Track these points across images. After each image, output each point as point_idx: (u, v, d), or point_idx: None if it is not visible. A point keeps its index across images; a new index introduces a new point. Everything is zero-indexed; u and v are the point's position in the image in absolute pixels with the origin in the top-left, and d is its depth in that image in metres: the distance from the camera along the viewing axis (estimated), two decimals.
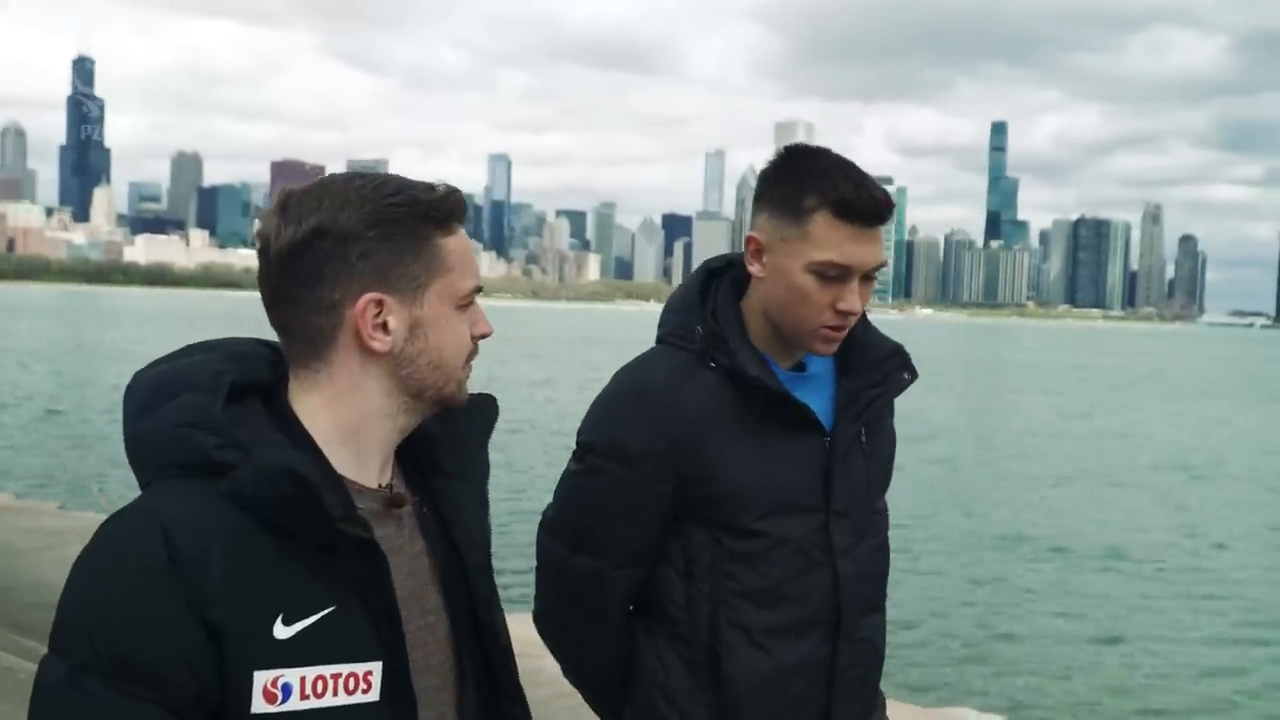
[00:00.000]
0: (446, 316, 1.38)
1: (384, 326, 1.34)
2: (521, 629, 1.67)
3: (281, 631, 1.26)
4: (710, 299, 2.09)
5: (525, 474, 18.57)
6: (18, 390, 30.90)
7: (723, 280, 2.12)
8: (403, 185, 1.36)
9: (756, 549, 2.01)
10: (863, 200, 1.91)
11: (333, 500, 1.27)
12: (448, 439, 1.50)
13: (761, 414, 2.02)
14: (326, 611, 1.28)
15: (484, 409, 1.53)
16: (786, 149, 2.04)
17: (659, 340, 2.14)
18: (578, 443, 2.11)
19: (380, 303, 1.33)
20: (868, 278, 1.98)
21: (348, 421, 1.37)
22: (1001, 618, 12.06)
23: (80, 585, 1.26)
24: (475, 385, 1.47)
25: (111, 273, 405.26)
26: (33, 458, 19.99)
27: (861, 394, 2.10)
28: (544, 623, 2.23)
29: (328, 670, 1.28)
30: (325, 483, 1.28)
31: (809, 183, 1.93)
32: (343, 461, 1.36)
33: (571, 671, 2.26)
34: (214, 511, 1.26)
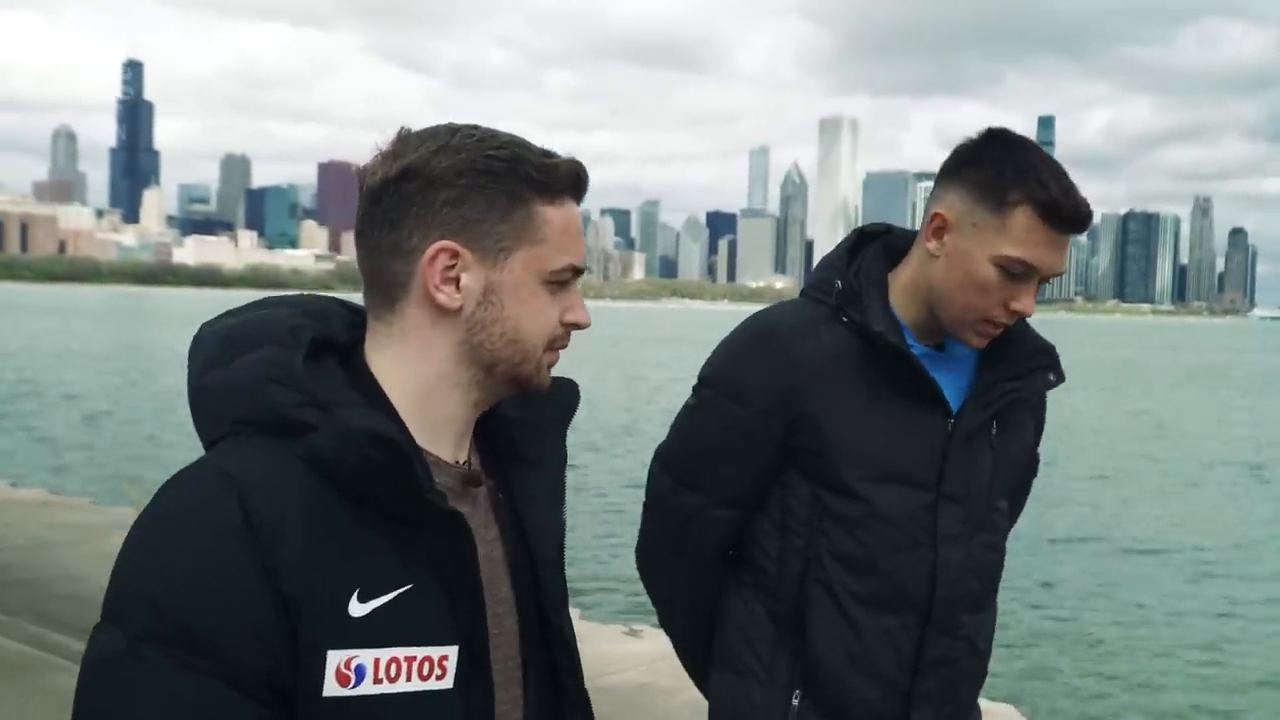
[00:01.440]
0: (530, 289, 1.28)
1: (456, 282, 1.25)
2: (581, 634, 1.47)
3: (357, 609, 1.16)
4: (858, 259, 2.07)
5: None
6: (61, 389, 31.03)
7: (874, 244, 2.09)
8: (512, 142, 1.27)
9: (855, 513, 1.97)
10: (1070, 207, 1.87)
11: (420, 470, 1.19)
12: (525, 423, 1.42)
13: (886, 379, 1.98)
14: (403, 589, 1.19)
15: (564, 394, 1.44)
16: (990, 131, 1.95)
17: (801, 294, 2.13)
18: (699, 377, 2.10)
19: (456, 254, 1.25)
20: (1044, 280, 1.94)
21: (419, 386, 1.29)
22: (1051, 620, 11.61)
23: (142, 547, 1.15)
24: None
25: (161, 274, 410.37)
26: (70, 455, 19.91)
27: (998, 384, 2.04)
28: (644, 557, 2.22)
29: (402, 653, 1.19)
30: (412, 450, 1.19)
31: (1018, 175, 1.87)
32: (417, 430, 1.26)
33: (663, 612, 2.25)
34: (291, 473, 1.17)
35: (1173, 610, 12.26)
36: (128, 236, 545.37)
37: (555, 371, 1.38)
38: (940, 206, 1.94)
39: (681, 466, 2.10)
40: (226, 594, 1.11)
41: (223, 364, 1.23)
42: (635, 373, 44.13)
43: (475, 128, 1.28)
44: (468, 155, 1.24)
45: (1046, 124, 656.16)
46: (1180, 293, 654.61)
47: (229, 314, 1.31)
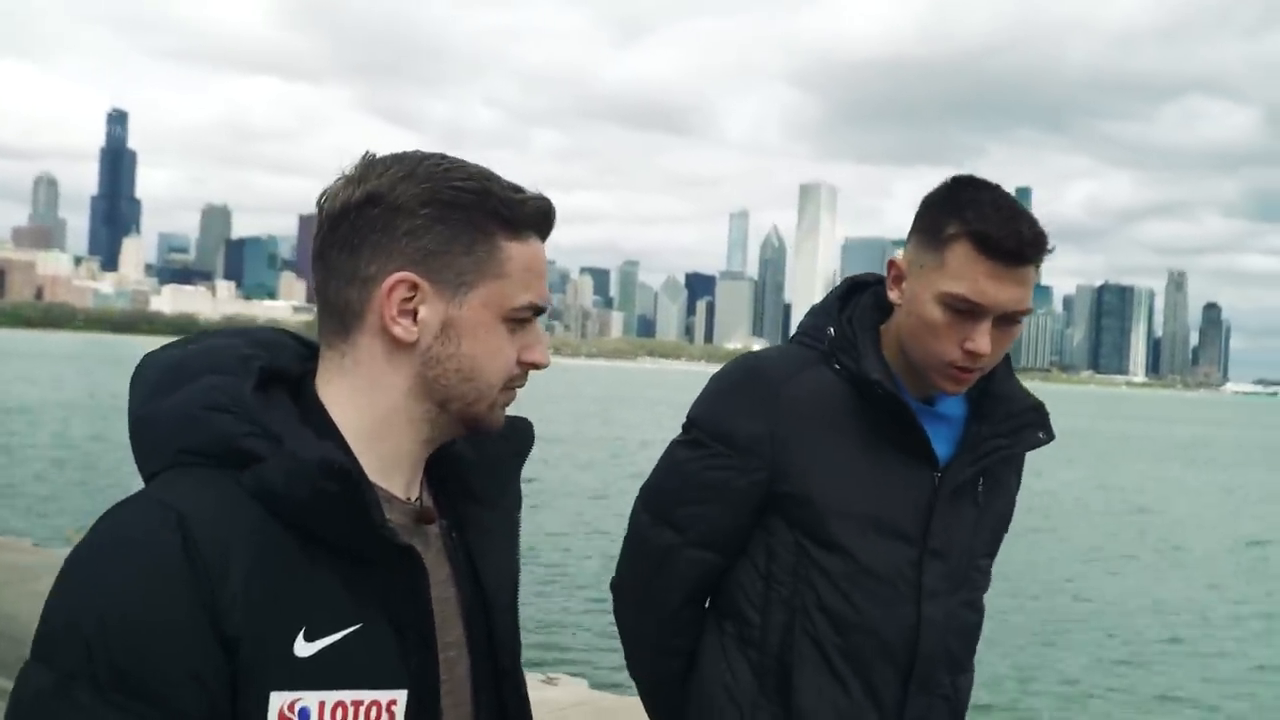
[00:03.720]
0: (488, 326, 1.24)
1: (414, 315, 1.21)
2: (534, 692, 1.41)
3: (303, 649, 1.11)
4: (849, 307, 2.04)
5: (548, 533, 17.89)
6: (20, 436, 30.44)
7: (865, 294, 2.06)
8: (480, 174, 1.23)
9: (841, 568, 1.93)
10: (1006, 236, 1.80)
11: (373, 502, 1.14)
12: (479, 463, 1.37)
13: (874, 428, 1.94)
14: (352, 629, 1.14)
15: (519, 433, 1.40)
16: (954, 178, 1.93)
17: (792, 340, 2.11)
18: (687, 416, 2.07)
19: (415, 286, 1.20)
20: (1009, 320, 1.87)
21: (371, 419, 1.24)
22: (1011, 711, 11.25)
23: (75, 582, 1.09)
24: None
25: (137, 322, 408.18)
26: (20, 500, 19.41)
27: (987, 440, 2.01)
28: (616, 594, 2.17)
29: (349, 696, 1.13)
30: (365, 482, 1.15)
31: (954, 210, 1.85)
32: (368, 464, 1.21)
33: (632, 655, 2.17)
34: (236, 506, 1.12)
35: (1155, 690, 11.93)
36: (105, 284, 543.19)
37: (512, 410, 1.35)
38: (897, 255, 1.96)
39: (660, 503, 2.06)
40: (163, 633, 1.06)
41: (166, 393, 1.18)
42: (601, 429, 43.79)
43: (444, 157, 1.24)
44: (433, 185, 1.20)
45: (1024, 195, 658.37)
46: (1155, 365, 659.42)
47: (174, 344, 1.26)
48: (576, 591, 14.11)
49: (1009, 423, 2.02)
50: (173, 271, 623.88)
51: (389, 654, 1.17)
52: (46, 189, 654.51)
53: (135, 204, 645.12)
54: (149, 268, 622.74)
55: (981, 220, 1.81)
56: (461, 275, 1.22)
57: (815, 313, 2.08)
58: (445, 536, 1.32)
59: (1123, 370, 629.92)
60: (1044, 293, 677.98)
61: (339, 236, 1.21)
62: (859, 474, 1.93)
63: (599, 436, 39.89)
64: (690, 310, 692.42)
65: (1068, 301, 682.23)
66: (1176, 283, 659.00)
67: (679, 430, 2.09)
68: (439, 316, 1.22)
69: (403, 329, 1.21)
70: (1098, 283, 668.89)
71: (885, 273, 1.99)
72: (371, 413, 1.24)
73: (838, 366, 1.96)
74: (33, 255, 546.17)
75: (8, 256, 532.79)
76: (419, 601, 1.20)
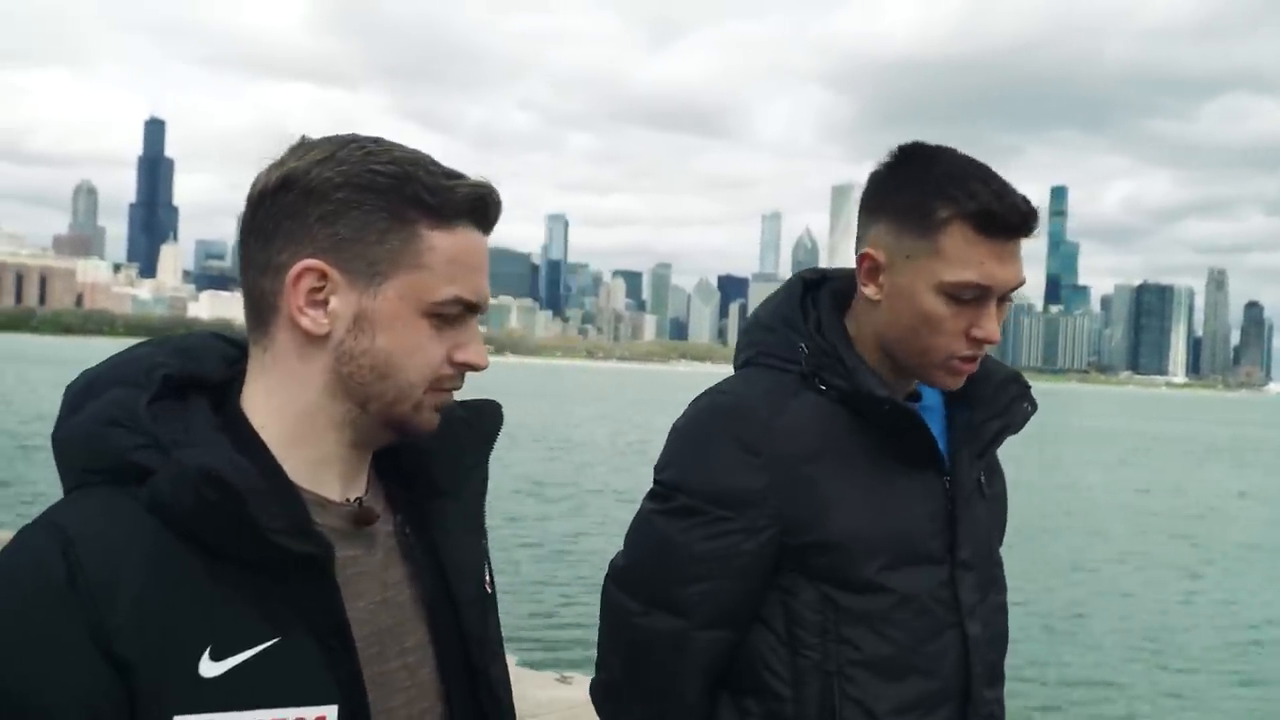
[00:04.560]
0: (405, 321, 1.17)
1: (324, 306, 1.15)
2: (529, 687, 1.19)
3: (209, 668, 1.06)
4: (810, 314, 1.84)
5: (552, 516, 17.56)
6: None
7: (821, 294, 1.86)
8: (406, 159, 1.16)
9: (878, 608, 1.73)
10: (1007, 210, 1.66)
11: (269, 509, 1.07)
12: (441, 452, 1.29)
13: (877, 445, 1.76)
14: (267, 644, 1.08)
15: (484, 417, 1.33)
16: (902, 148, 1.77)
17: (745, 363, 1.87)
18: (656, 480, 1.82)
19: (324, 275, 1.14)
20: (1003, 299, 1.73)
21: (294, 419, 1.18)
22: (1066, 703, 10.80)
23: None
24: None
25: (175, 328, 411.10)
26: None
27: (983, 427, 1.86)
28: (605, 694, 1.89)
29: (268, 715, 1.08)
30: (261, 488, 1.08)
31: (941, 190, 1.67)
32: (295, 468, 1.16)
33: None
34: (131, 524, 1.07)
35: (1194, 692, 11.47)
36: (144, 290, 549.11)
37: (479, 393, 1.30)
38: (868, 246, 1.76)
39: (651, 585, 1.79)
40: (50, 660, 1.02)
41: (76, 411, 1.15)
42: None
43: (377, 140, 1.18)
44: (350, 168, 1.14)
45: (1059, 194, 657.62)
46: (1195, 365, 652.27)
47: (106, 360, 1.21)
48: (596, 590, 13.79)
49: (996, 401, 1.88)
50: (210, 278, 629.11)
51: (312, 667, 1.11)
52: (86, 197, 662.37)
53: (173, 211, 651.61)
54: (187, 274, 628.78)
55: (974, 198, 1.66)
56: (375, 265, 1.15)
57: (769, 326, 1.86)
58: (399, 534, 1.27)
59: (1162, 371, 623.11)
60: (1081, 293, 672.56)
61: (255, 224, 1.16)
62: (874, 501, 1.75)
63: (631, 441, 39.57)
64: (723, 313, 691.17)
65: (1106, 301, 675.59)
66: (1217, 281, 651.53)
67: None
68: (351, 308, 1.15)
69: (311, 320, 1.15)
70: (1136, 282, 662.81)
71: (857, 265, 1.79)
72: (292, 411, 1.18)
73: (823, 388, 1.77)
74: (72, 263, 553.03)
75: (48, 264, 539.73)
76: (330, 611, 1.13)
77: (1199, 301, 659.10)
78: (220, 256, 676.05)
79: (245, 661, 1.07)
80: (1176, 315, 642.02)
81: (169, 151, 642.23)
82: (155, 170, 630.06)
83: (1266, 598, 17.32)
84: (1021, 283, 1.73)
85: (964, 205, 1.65)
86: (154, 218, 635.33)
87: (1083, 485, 30.21)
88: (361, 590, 1.19)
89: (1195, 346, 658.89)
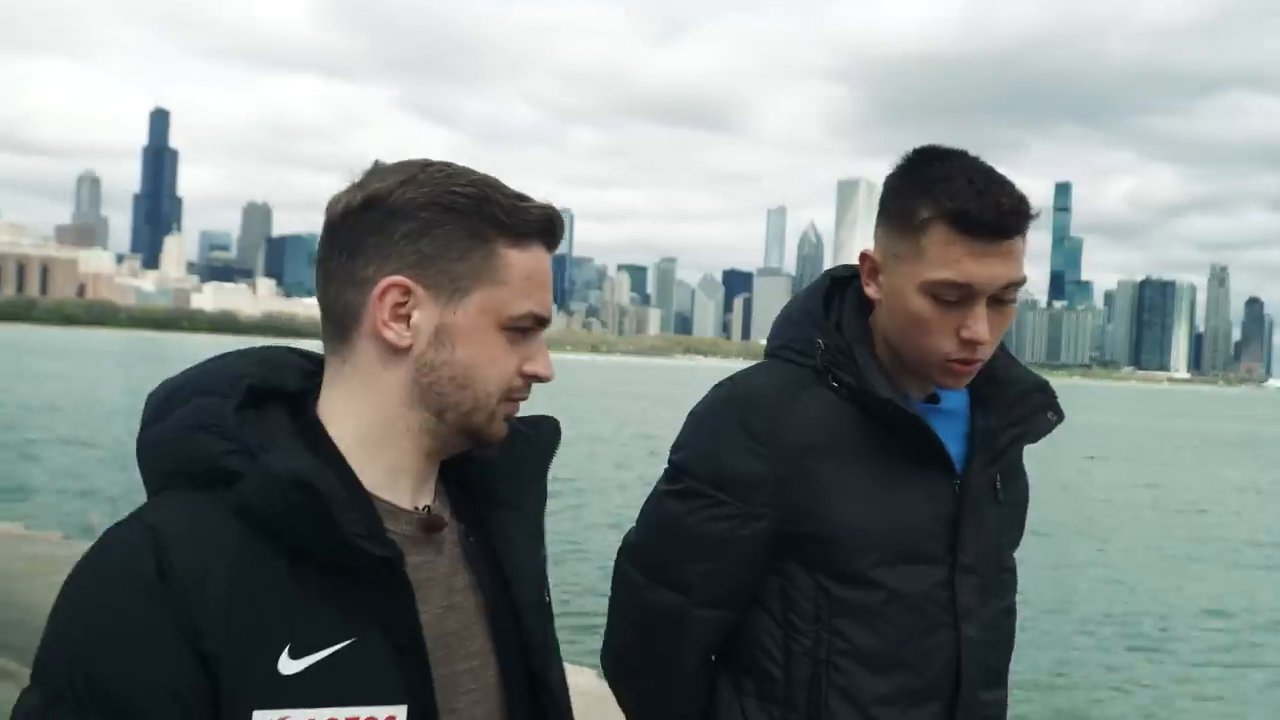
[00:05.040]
0: (484, 334, 1.22)
1: (407, 320, 1.20)
2: (579, 681, 1.36)
3: (288, 666, 1.10)
4: (834, 310, 1.86)
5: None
6: (57, 432, 30.66)
7: (848, 291, 1.88)
8: (483, 181, 1.22)
9: (871, 602, 1.77)
10: (985, 209, 1.65)
11: (349, 514, 1.12)
12: (501, 464, 1.35)
13: (885, 444, 1.78)
14: (343, 645, 1.13)
15: (543, 432, 1.39)
16: (916, 150, 1.78)
17: (769, 354, 1.91)
18: (670, 462, 1.88)
19: (408, 290, 1.19)
20: (1001, 300, 1.71)
21: (371, 427, 1.23)
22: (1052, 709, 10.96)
23: (62, 604, 1.12)
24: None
25: (178, 319, 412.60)
26: (54, 496, 19.48)
27: (1000, 434, 1.86)
28: (612, 663, 1.97)
29: (342, 713, 1.12)
30: (342, 495, 1.13)
31: (926, 191, 1.70)
32: (371, 476, 1.22)
33: None
34: (218, 525, 1.12)
35: (1188, 684, 11.63)
36: (147, 282, 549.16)
37: (537, 410, 1.34)
38: (869, 248, 1.81)
39: (657, 562, 1.85)
40: (142, 652, 1.07)
41: (162, 418, 1.20)
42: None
43: (449, 165, 1.23)
44: (432, 189, 1.19)
45: (1063, 190, 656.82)
46: (1197, 361, 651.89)
47: (190, 369, 1.26)
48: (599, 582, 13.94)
49: (1019, 409, 1.88)
50: (214, 269, 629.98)
51: (385, 668, 1.15)
52: (89, 187, 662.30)
53: (177, 202, 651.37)
54: (190, 265, 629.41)
55: (954, 197, 1.66)
56: (457, 281, 1.20)
57: (794, 320, 1.90)
58: (463, 542, 1.31)
59: (1164, 366, 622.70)
60: (1084, 289, 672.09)
61: (339, 240, 1.21)
62: (877, 499, 1.78)
63: (638, 434, 39.72)
64: (727, 307, 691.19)
65: (1108, 297, 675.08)
66: (1219, 278, 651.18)
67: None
68: (433, 322, 1.21)
69: (395, 333, 1.20)
70: (1139, 278, 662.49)
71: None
72: (370, 420, 1.23)
73: (835, 384, 1.80)
74: (75, 253, 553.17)
75: (51, 254, 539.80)
76: (404, 614, 1.18)
77: (1200, 298, 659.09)
78: (224, 248, 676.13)
79: (322, 660, 1.11)
80: (1179, 311, 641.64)
81: (173, 142, 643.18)
82: (159, 161, 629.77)
83: (1270, 590, 17.49)
84: (1014, 282, 1.71)
85: (942, 205, 1.67)
86: (158, 209, 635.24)
87: (1087, 481, 30.35)
88: (429, 595, 1.22)
89: (1197, 342, 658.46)
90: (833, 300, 1.88)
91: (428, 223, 1.19)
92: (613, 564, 1.94)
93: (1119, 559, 19.69)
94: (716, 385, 1.89)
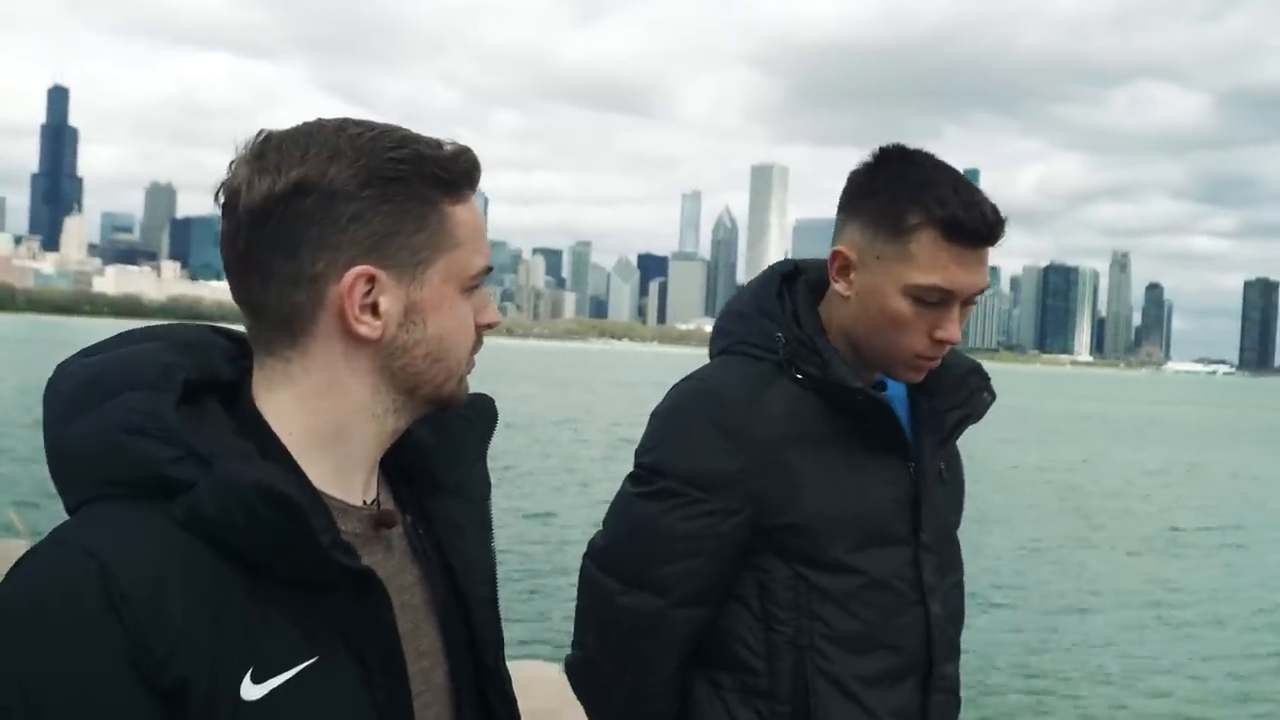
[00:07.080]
0: (450, 300, 1.14)
1: (374, 309, 1.10)
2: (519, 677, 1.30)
3: (251, 691, 1.00)
4: (785, 304, 1.91)
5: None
6: None
7: (797, 286, 1.93)
8: (406, 138, 1.11)
9: (847, 586, 1.81)
10: (974, 219, 1.73)
11: (320, 524, 1.02)
12: (441, 448, 1.26)
13: (848, 431, 1.84)
14: (307, 664, 1.04)
15: (480, 411, 1.29)
16: (881, 150, 1.84)
17: (722, 351, 1.94)
18: (637, 463, 1.88)
19: (372, 278, 1.09)
20: (967, 302, 1.81)
21: (326, 424, 1.12)
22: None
23: None
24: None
25: (80, 303, 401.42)
26: None
27: (946, 416, 1.94)
28: (583, 672, 1.95)
29: None
30: (312, 504, 1.03)
31: (913, 195, 1.75)
32: (320, 474, 1.11)
33: None
34: (165, 542, 0.99)
35: (1094, 669, 11.95)
36: (46, 264, 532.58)
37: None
38: (841, 243, 1.83)
39: (631, 565, 1.85)
40: (92, 694, 0.94)
41: (81, 413, 1.04)
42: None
43: (359, 124, 1.11)
44: (368, 161, 1.08)
45: (973, 176, 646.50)
46: (1099, 345, 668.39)
47: (88, 350, 1.11)
48: (542, 572, 13.97)
49: (960, 392, 1.96)
50: (117, 251, 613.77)
51: (351, 686, 1.07)
52: None
53: (77, 182, 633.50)
54: (92, 247, 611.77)
55: (944, 205, 1.72)
56: (417, 254, 1.11)
57: (745, 315, 1.93)
58: (410, 535, 1.23)
59: (1068, 350, 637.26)
60: (992, 274, 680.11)
61: (269, 235, 1.07)
62: (844, 486, 1.83)
63: (562, 420, 39.61)
64: (643, 291, 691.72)
65: (1015, 282, 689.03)
66: (1120, 264, 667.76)
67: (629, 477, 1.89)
68: (400, 303, 1.12)
69: (368, 327, 1.10)
70: (1044, 264, 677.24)
71: (829, 260, 1.86)
72: (327, 418, 1.13)
73: (799, 376, 1.84)
74: None
75: None
76: (382, 628, 1.10)
77: (1103, 283, 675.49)
78: (127, 229, 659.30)
79: (286, 682, 1.03)
80: (1082, 296, 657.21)
81: (73, 120, 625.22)
82: (58, 140, 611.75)
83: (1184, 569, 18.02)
84: (985, 287, 1.80)
85: (934, 212, 1.72)
86: (56, 188, 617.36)
87: (1001, 463, 30.96)
88: None
89: (1099, 326, 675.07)
90: (781, 294, 1.92)
91: (374, 200, 1.08)
92: (578, 567, 1.92)
93: (1032, 542, 20.12)
94: (677, 384, 1.90)
